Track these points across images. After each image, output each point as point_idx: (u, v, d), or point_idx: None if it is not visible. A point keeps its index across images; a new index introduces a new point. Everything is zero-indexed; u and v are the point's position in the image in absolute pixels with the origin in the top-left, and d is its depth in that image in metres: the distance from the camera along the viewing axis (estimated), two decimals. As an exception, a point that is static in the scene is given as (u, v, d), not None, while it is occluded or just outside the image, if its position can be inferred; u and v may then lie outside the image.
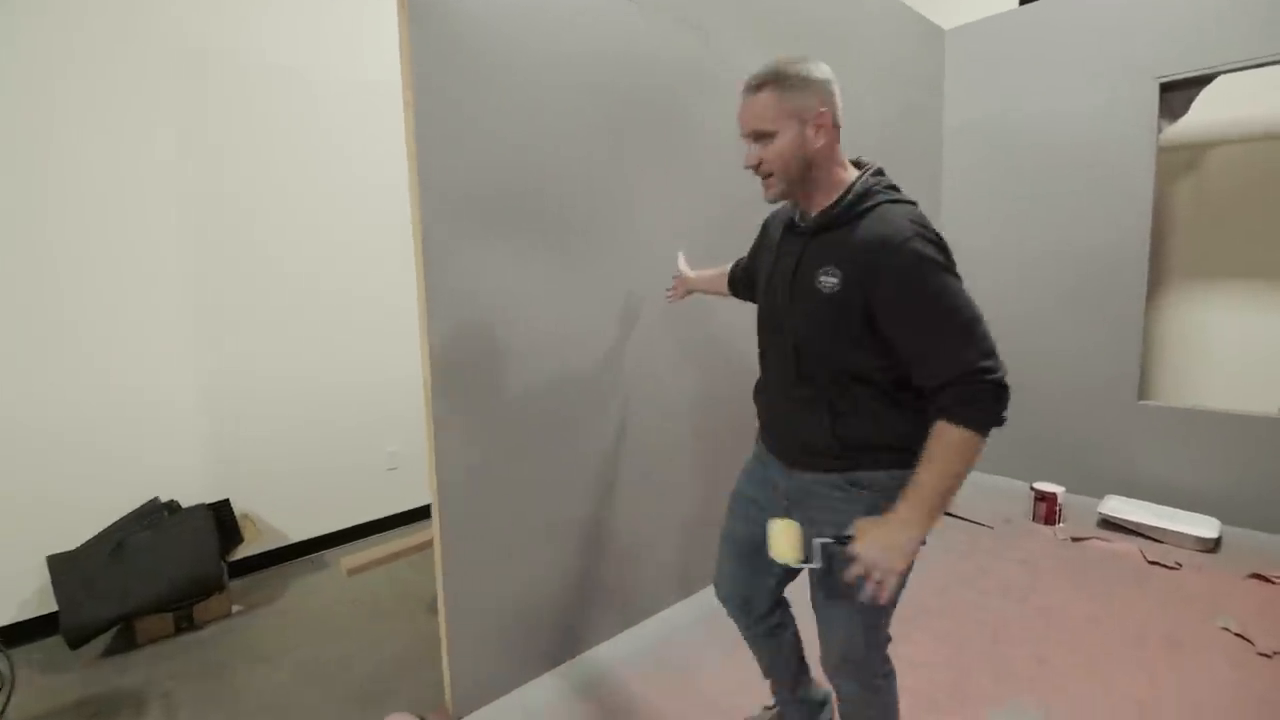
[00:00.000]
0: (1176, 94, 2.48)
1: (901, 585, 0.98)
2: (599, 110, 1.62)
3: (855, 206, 0.98)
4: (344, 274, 2.48)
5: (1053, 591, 2.01)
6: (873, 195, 0.99)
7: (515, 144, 1.45)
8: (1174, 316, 2.91)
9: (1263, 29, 2.24)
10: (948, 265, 0.94)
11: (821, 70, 0.99)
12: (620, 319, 1.75)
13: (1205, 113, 2.63)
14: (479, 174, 1.39)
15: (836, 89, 1.01)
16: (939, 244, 0.94)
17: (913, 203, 1.01)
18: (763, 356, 1.19)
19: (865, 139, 2.39)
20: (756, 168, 1.02)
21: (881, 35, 2.58)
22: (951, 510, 2.57)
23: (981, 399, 0.90)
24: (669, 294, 1.70)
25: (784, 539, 0.99)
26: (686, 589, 2.02)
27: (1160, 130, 2.50)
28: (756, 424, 1.25)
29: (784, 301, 1.06)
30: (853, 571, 0.92)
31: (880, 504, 0.97)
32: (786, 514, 1.07)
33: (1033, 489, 2.53)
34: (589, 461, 1.70)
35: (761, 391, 1.20)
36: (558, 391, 1.60)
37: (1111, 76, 2.56)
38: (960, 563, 2.21)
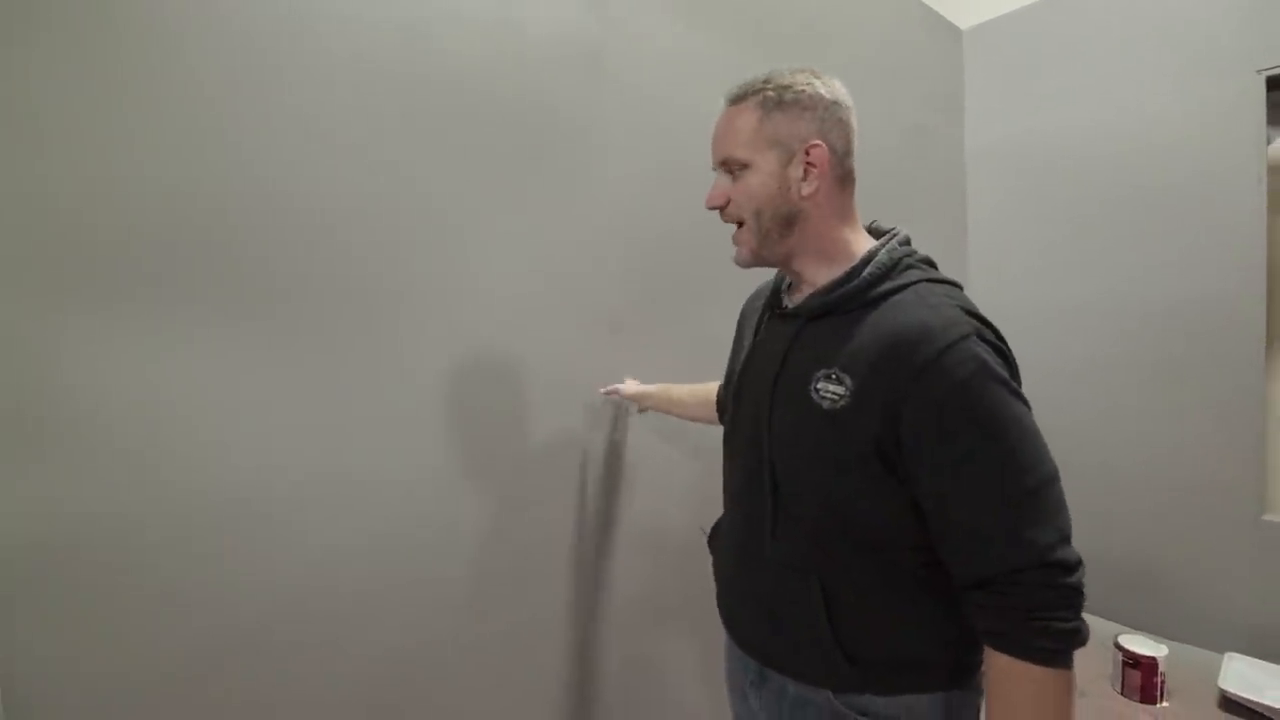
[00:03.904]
0: (1290, 93, 1.83)
1: None
2: (396, 104, 1.02)
3: (877, 284, 0.70)
4: None
5: None
6: (903, 269, 0.71)
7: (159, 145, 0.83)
8: (1295, 393, 2.16)
9: None
10: (1015, 386, 0.64)
11: (832, 89, 0.74)
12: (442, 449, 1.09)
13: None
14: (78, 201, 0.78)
15: (852, 119, 0.76)
16: (1003, 351, 0.66)
17: (956, 284, 0.72)
18: (726, 491, 0.88)
19: (858, 174, 1.74)
20: (722, 210, 0.76)
21: (882, 34, 1.99)
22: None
23: (1056, 610, 0.60)
24: (603, 390, 1.28)
25: None
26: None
27: (1270, 140, 1.83)
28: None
29: (760, 414, 0.76)
30: None
31: None
32: None
33: (1119, 646, 1.77)
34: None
35: (719, 542, 0.90)
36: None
37: (1194, 70, 1.92)
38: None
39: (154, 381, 0.82)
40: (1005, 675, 0.63)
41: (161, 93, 0.81)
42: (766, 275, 0.92)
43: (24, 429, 0.74)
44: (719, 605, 0.90)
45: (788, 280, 0.84)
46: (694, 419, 1.19)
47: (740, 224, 0.76)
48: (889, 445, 0.65)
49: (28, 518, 0.74)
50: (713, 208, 0.78)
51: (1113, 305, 2.12)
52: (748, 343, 0.85)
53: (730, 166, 0.76)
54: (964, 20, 2.40)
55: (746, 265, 0.79)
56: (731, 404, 0.85)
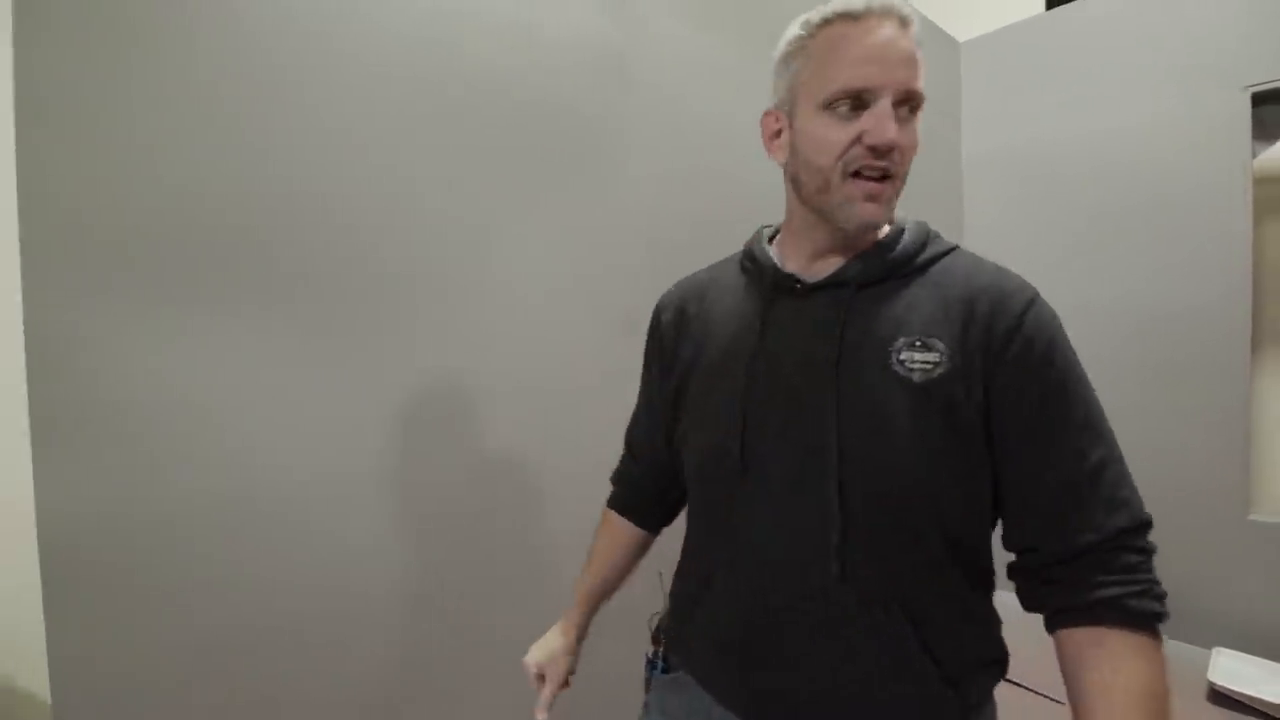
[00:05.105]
0: (1274, 108, 1.89)
1: None
2: (419, 107, 1.05)
3: (923, 248, 0.64)
4: None
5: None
6: (934, 236, 0.66)
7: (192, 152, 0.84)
8: (1277, 398, 2.23)
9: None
10: None
11: None
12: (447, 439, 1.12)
13: (1308, 134, 2.02)
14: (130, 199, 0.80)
15: None
16: None
17: None
18: (712, 524, 0.71)
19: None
20: (885, 154, 0.59)
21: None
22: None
23: (1148, 571, 0.57)
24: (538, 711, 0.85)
25: None
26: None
27: (1255, 154, 1.90)
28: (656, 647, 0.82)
29: (816, 410, 0.60)
30: None
31: None
32: None
33: (1112, 642, 1.81)
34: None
35: (710, 590, 0.69)
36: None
37: (1184, 86, 1.98)
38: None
39: (163, 380, 0.81)
40: (1128, 652, 0.55)
41: (191, 95, 0.83)
42: (676, 274, 0.84)
43: (31, 427, 0.73)
44: (699, 667, 0.72)
45: (775, 256, 0.70)
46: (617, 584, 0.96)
47: (888, 178, 0.61)
48: (983, 412, 0.58)
49: (35, 517, 0.73)
50: (884, 150, 0.59)
51: (1103, 312, 2.17)
52: (728, 336, 0.69)
53: (913, 102, 0.61)
54: (962, 33, 2.46)
55: (877, 226, 0.63)
56: (718, 419, 0.68)
